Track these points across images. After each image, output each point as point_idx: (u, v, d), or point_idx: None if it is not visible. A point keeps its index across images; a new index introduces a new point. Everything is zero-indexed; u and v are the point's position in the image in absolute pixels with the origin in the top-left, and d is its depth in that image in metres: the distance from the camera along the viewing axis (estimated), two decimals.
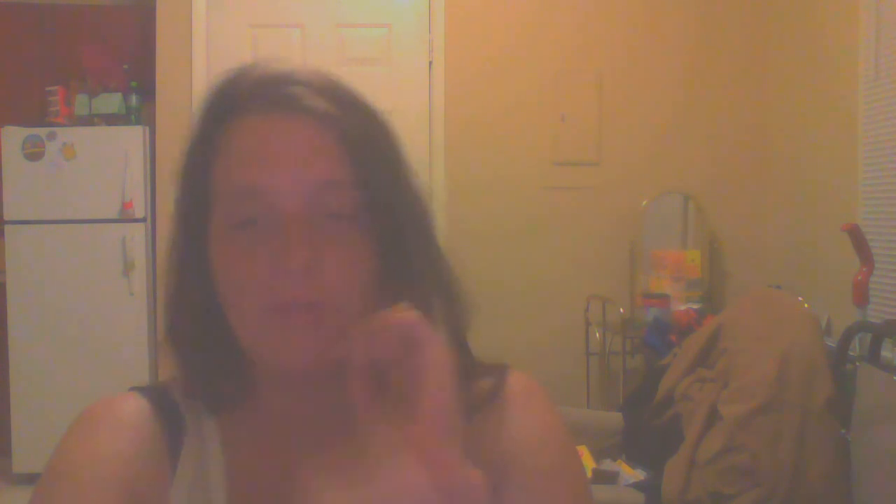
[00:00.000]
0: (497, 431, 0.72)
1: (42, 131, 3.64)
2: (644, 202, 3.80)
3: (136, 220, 3.67)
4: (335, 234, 0.63)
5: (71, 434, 0.67)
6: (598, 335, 3.64)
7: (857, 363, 2.28)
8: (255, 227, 0.62)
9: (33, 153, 3.61)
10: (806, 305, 2.53)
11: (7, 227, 3.64)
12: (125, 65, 3.85)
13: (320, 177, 0.63)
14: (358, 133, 0.65)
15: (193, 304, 0.68)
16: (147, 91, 3.80)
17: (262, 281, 0.61)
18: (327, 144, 0.63)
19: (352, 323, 0.61)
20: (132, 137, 3.68)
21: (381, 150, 0.66)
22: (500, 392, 0.73)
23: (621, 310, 3.40)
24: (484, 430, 0.71)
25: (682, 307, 3.43)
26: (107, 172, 3.65)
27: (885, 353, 2.36)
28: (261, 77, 0.67)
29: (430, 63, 3.79)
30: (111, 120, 3.76)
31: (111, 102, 3.76)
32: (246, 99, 0.66)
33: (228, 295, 0.64)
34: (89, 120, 3.75)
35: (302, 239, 0.60)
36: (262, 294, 0.62)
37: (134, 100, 3.83)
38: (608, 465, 2.56)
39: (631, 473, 2.50)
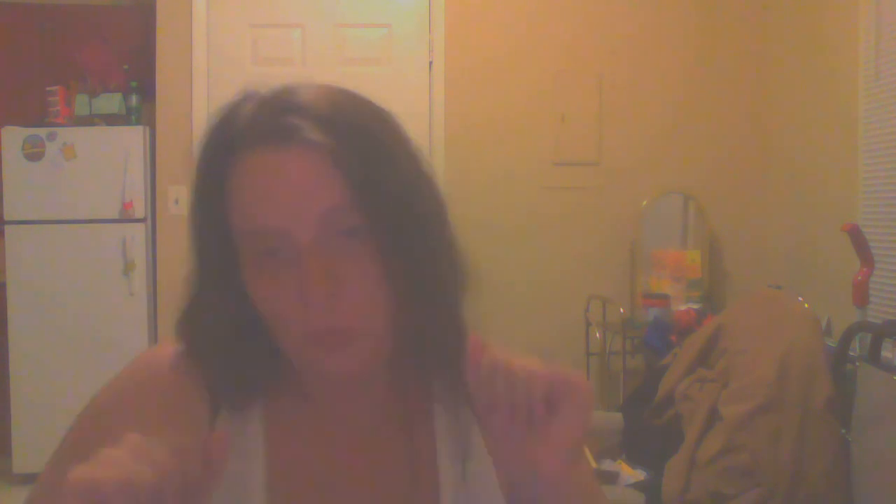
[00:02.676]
0: None
1: (42, 131, 3.63)
2: (644, 202, 3.79)
3: (136, 221, 3.67)
4: (349, 253, 0.66)
5: (114, 388, 0.74)
6: (598, 335, 3.64)
7: (857, 363, 2.28)
8: (278, 256, 0.66)
9: (33, 153, 3.61)
10: (806, 305, 2.53)
11: (7, 227, 3.63)
12: (125, 65, 3.84)
13: (326, 205, 0.65)
14: (356, 154, 0.66)
15: (220, 319, 0.71)
16: (147, 91, 3.80)
17: (294, 312, 0.66)
18: (327, 172, 0.65)
19: (379, 334, 0.68)
20: (132, 137, 3.68)
21: (381, 166, 0.67)
22: None
23: (621, 310, 3.40)
24: None
25: (682, 307, 3.43)
26: (107, 172, 3.64)
27: (885, 353, 2.36)
28: (257, 107, 0.68)
29: (430, 63, 3.79)
30: (111, 120, 3.75)
31: (111, 102, 3.75)
32: (244, 133, 0.67)
33: (268, 319, 0.69)
34: (89, 120, 3.74)
35: (319, 271, 0.64)
36: (295, 323, 0.66)
37: (134, 100, 3.82)
38: (608, 465, 2.56)
39: (631, 473, 2.50)
